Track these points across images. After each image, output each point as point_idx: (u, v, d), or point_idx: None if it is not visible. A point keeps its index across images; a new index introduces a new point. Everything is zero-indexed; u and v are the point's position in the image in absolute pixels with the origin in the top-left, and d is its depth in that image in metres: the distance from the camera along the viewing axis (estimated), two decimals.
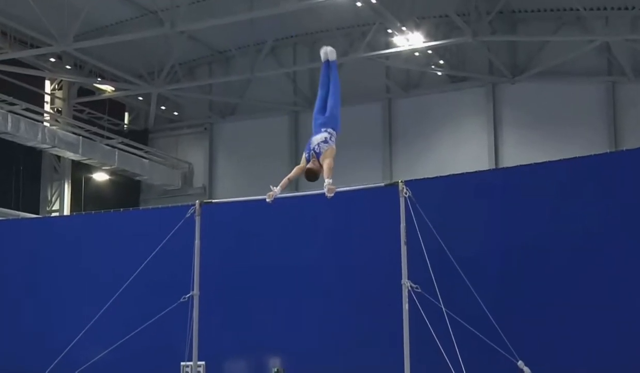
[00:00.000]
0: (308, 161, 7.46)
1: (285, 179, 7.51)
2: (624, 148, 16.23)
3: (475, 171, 14.42)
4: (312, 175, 7.43)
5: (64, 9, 16.83)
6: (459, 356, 6.62)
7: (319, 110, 7.83)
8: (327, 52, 8.01)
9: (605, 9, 18.52)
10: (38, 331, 14.39)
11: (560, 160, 11.18)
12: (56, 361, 7.91)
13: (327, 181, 7.19)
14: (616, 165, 10.32)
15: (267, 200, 7.38)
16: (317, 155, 7.39)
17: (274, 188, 7.45)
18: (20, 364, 13.54)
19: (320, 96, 7.90)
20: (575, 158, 10.80)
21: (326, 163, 7.27)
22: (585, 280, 10.84)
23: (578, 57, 18.93)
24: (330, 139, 7.43)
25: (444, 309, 6.92)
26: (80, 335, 8.10)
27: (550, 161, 11.47)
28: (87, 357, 8.09)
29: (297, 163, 24.54)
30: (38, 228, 16.30)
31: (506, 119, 20.23)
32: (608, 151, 16.20)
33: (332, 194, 7.16)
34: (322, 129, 7.55)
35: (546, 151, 16.96)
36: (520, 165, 12.63)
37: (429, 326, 6.72)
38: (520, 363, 7.61)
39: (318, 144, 7.45)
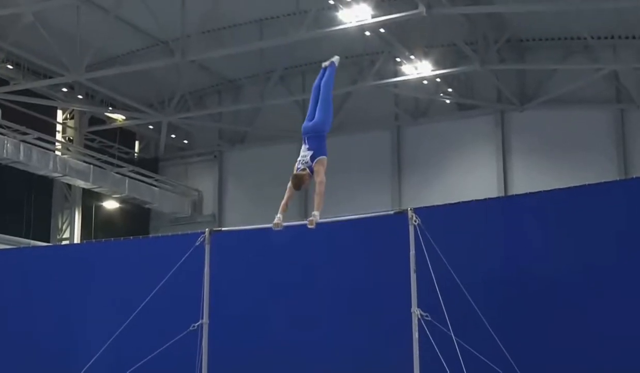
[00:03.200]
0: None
1: (282, 204, 7.50)
2: (634, 175, 16.20)
3: (484, 199, 14.43)
4: (297, 181, 7.40)
5: (76, 40, 17.08)
6: None
7: (308, 117, 7.83)
8: (333, 59, 7.97)
9: (612, 37, 18.62)
10: (49, 358, 14.39)
11: (568, 188, 11.17)
12: None
13: (314, 212, 7.13)
14: (626, 192, 10.30)
15: (275, 229, 7.35)
16: (308, 168, 7.40)
17: (277, 215, 7.44)
18: None
19: (312, 101, 7.94)
20: (583, 185, 10.79)
21: (317, 188, 7.22)
22: (594, 309, 10.78)
23: (586, 85, 19.00)
24: (311, 159, 7.45)
25: (453, 337, 6.88)
26: (91, 362, 8.10)
27: (558, 189, 11.46)
28: None
29: (306, 191, 24.54)
30: (49, 256, 16.37)
31: (515, 146, 20.25)
32: (618, 178, 16.20)
33: (313, 227, 7.07)
34: (307, 144, 7.53)
35: (556, 178, 16.97)
36: (529, 193, 12.63)
37: (439, 354, 6.69)
38: None
39: (302, 162, 7.54)
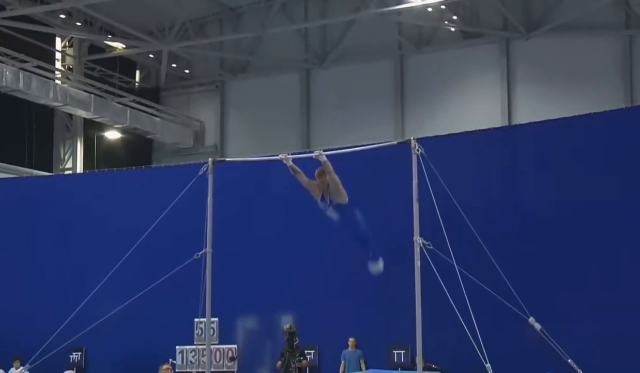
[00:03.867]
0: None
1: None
2: None
3: (488, 129, 14.36)
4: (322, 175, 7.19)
5: None
6: (471, 313, 6.66)
7: None
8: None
9: None
10: (54, 285, 14.62)
11: (573, 116, 11.09)
12: (72, 315, 8.03)
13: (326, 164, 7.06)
14: (632, 120, 10.22)
15: (281, 157, 7.27)
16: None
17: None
18: (37, 315, 13.80)
19: None
20: (589, 114, 10.69)
21: (335, 181, 7.12)
22: (598, 239, 10.83)
23: (594, 11, 18.58)
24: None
25: (455, 266, 6.92)
26: (95, 290, 8.19)
27: (563, 118, 11.37)
28: (102, 312, 8.20)
29: (308, 121, 24.24)
30: (52, 186, 16.43)
31: (520, 75, 19.99)
32: (624, 106, 16.05)
33: (317, 155, 7.03)
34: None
35: (560, 107, 16.80)
36: (533, 122, 12.55)
37: (441, 282, 6.75)
38: (531, 319, 7.65)
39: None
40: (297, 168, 7.43)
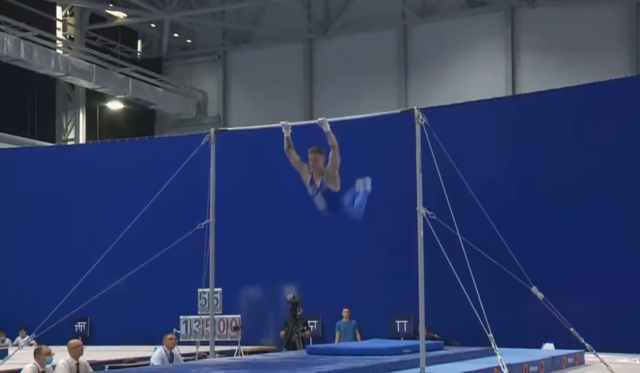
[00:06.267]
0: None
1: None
2: None
3: (492, 98, 14.26)
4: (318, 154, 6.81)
5: None
6: (474, 283, 6.66)
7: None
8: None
9: None
10: (54, 258, 14.68)
11: (578, 86, 11.01)
12: (76, 286, 8.04)
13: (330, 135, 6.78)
14: (636, 90, 10.14)
15: (284, 130, 7.05)
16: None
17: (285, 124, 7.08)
18: (42, 286, 13.88)
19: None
20: (593, 83, 10.61)
21: (335, 161, 6.69)
22: (601, 208, 10.81)
23: None
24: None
25: (459, 236, 6.91)
26: (98, 262, 8.20)
27: (567, 87, 11.29)
28: (106, 283, 8.22)
29: (311, 91, 24.02)
30: (54, 156, 16.42)
31: (524, 44, 19.78)
32: (629, 75, 15.91)
33: (321, 121, 6.76)
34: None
35: (565, 77, 16.67)
36: (537, 92, 12.47)
37: (444, 253, 6.73)
38: (534, 288, 7.66)
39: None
40: (291, 142, 7.06)
